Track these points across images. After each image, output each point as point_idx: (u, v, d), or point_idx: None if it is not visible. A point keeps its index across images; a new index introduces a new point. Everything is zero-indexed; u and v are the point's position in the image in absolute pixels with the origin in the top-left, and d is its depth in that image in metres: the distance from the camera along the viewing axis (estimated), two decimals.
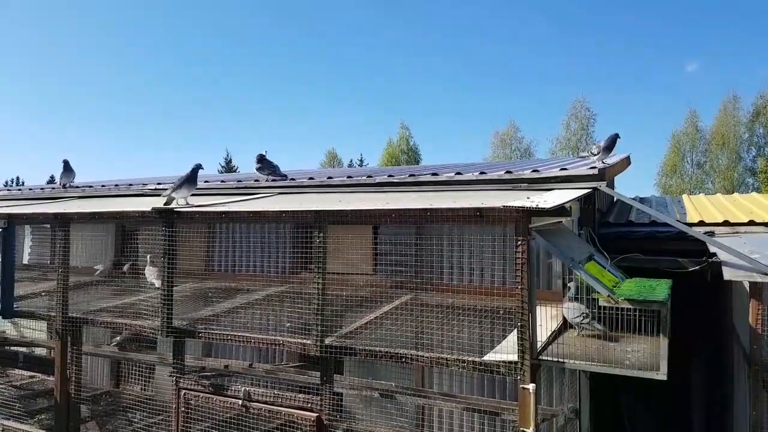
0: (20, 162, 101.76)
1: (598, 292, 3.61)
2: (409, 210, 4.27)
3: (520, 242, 3.69)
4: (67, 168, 8.27)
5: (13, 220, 5.92)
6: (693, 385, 7.14)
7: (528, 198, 4.09)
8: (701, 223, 6.12)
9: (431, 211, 4.14)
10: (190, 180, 5.33)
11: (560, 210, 3.99)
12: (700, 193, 27.70)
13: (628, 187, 47.20)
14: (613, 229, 6.44)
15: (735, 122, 37.14)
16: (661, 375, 3.43)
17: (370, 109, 73.79)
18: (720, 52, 55.25)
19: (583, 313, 4.09)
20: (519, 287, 3.68)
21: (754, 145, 37.40)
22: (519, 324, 3.67)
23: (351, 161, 53.45)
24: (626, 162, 8.89)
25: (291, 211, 4.75)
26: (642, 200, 8.99)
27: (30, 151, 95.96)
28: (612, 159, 6.08)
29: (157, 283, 5.35)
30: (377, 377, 5.66)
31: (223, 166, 50.84)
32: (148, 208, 5.12)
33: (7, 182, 57.56)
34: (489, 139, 44.69)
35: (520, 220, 3.73)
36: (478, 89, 67.25)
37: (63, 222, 5.60)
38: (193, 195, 6.87)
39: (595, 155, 6.37)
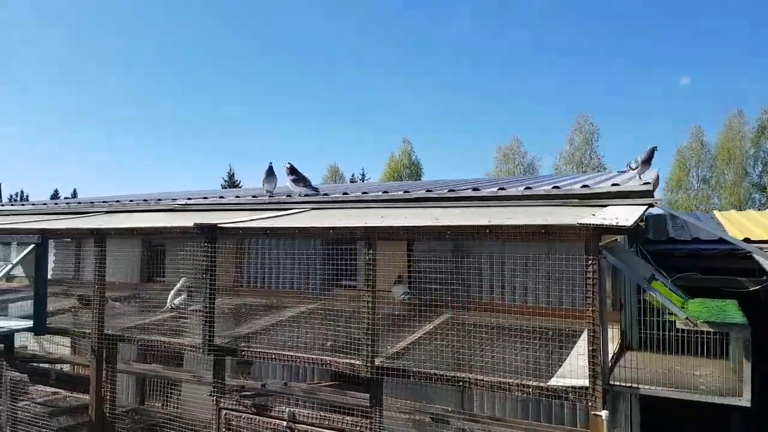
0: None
1: (673, 314, 3.48)
2: (467, 227, 4.16)
3: (591, 261, 3.57)
4: (271, 173, 7.13)
5: (47, 235, 5.78)
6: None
7: (594, 215, 3.96)
8: (747, 241, 5.99)
9: (490, 228, 4.02)
10: None
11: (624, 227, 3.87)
12: (703, 208, 27.52)
13: None
14: (654, 246, 6.30)
15: (740, 137, 37.08)
16: (744, 401, 3.29)
17: (370, 124, 74.09)
18: (710, 65, 55.60)
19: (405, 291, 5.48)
20: (590, 309, 3.55)
21: (761, 161, 37.36)
22: (591, 348, 3.54)
23: (353, 176, 53.38)
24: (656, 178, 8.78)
25: (340, 227, 4.63)
26: (672, 217, 8.84)
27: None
28: (652, 173, 5.97)
29: None
30: (416, 398, 5.48)
31: (226, 180, 50.65)
32: (190, 223, 5.00)
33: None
34: (492, 155, 44.58)
35: (590, 238, 3.61)
36: (477, 107, 67.63)
37: (99, 237, 5.48)
38: (226, 211, 6.77)
39: (633, 169, 6.27)
